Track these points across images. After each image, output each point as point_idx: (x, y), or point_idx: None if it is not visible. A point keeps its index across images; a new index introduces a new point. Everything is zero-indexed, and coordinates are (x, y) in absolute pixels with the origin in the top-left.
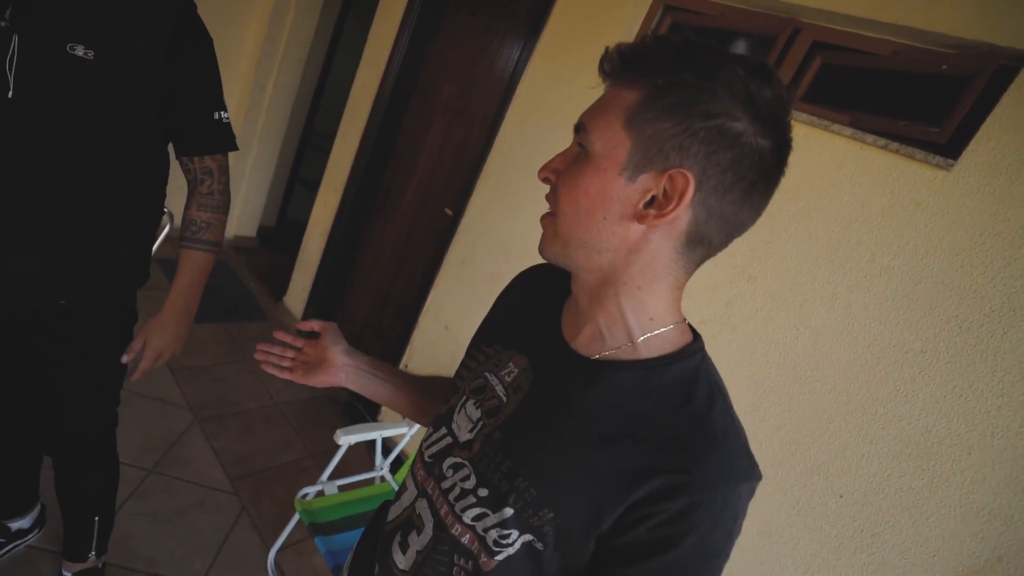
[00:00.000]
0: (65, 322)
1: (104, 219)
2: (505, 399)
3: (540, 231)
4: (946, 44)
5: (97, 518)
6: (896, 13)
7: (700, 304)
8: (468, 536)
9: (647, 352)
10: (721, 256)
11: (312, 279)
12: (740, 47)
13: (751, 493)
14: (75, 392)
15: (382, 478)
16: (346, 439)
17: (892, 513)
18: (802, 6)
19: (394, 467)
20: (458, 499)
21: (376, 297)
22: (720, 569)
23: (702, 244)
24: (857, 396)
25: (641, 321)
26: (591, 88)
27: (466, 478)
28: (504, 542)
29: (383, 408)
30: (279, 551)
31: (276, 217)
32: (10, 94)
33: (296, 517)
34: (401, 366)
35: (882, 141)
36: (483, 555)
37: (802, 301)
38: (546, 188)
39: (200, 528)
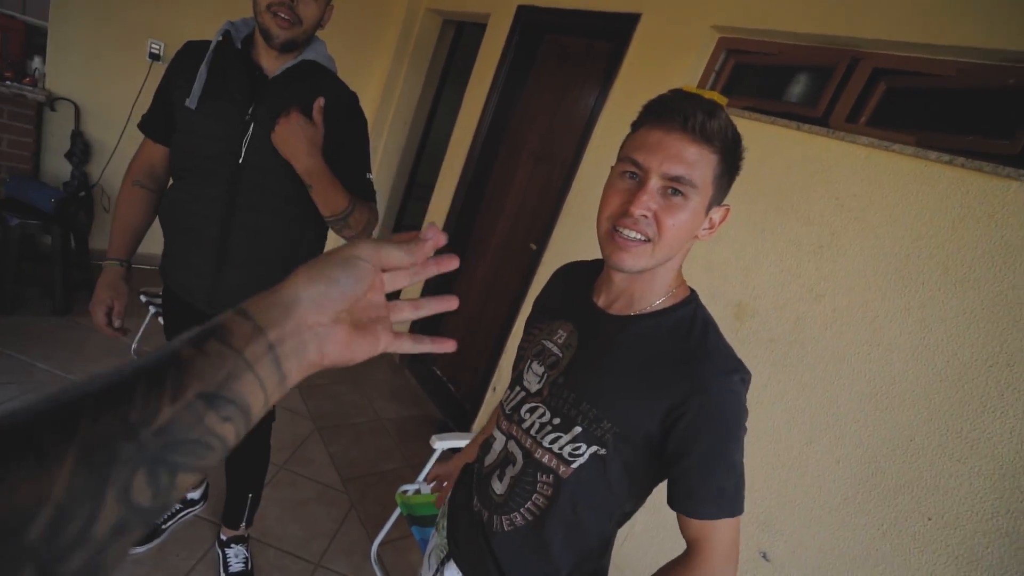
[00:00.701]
0: None
1: (290, 243)
2: (561, 355)
3: None
4: (1011, 59)
5: (250, 495)
6: (956, 35)
7: (768, 323)
8: (547, 456)
9: (662, 306)
10: (787, 275)
11: None
12: (800, 81)
13: (743, 383)
14: None
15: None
16: (440, 444)
17: (990, 538)
18: (860, 38)
19: None
20: (537, 432)
21: (468, 325)
22: (742, 439)
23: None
24: (939, 413)
25: (659, 292)
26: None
27: (542, 415)
28: (576, 453)
29: (473, 428)
30: (380, 544)
31: None
32: (240, 160)
33: (395, 515)
34: (490, 387)
35: (946, 157)
36: (561, 467)
37: (872, 317)
38: None
39: (318, 518)
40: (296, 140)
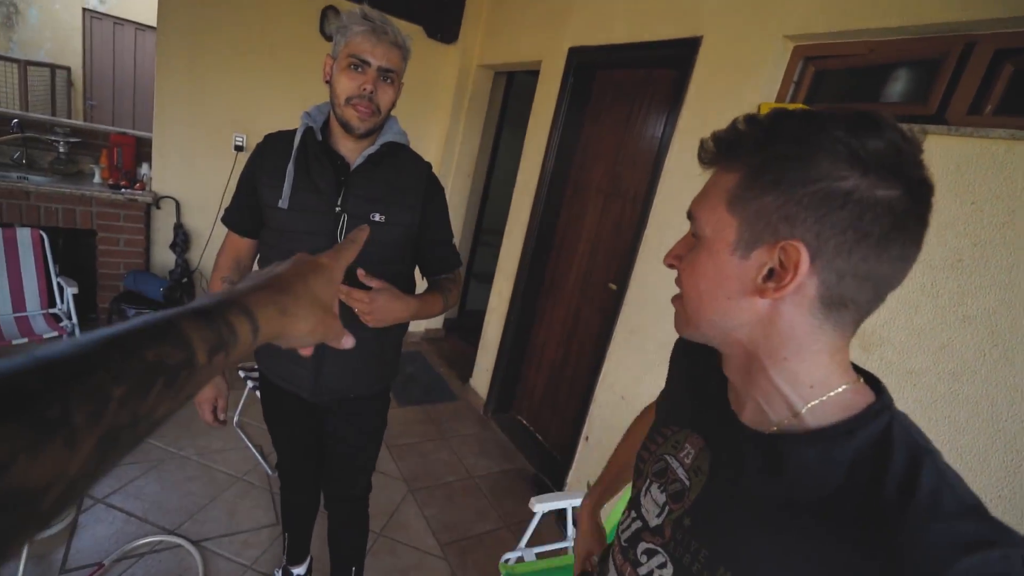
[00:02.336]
0: (351, 407)
1: (380, 331)
2: (688, 483)
3: None
4: None
5: (354, 568)
6: None
7: (905, 352)
8: None
9: (818, 421)
10: (921, 294)
11: (494, 360)
12: (899, 78)
13: (1009, 560)
14: (354, 459)
15: (572, 548)
16: (540, 507)
17: None
18: (971, 20)
19: None
20: None
21: (551, 371)
22: None
23: (845, 306)
24: None
25: (801, 391)
26: (698, 175)
27: (662, 565)
28: None
29: (568, 480)
30: None
31: (458, 309)
32: None
33: None
34: (583, 436)
35: None
36: None
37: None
38: None
39: None
40: (389, 313)
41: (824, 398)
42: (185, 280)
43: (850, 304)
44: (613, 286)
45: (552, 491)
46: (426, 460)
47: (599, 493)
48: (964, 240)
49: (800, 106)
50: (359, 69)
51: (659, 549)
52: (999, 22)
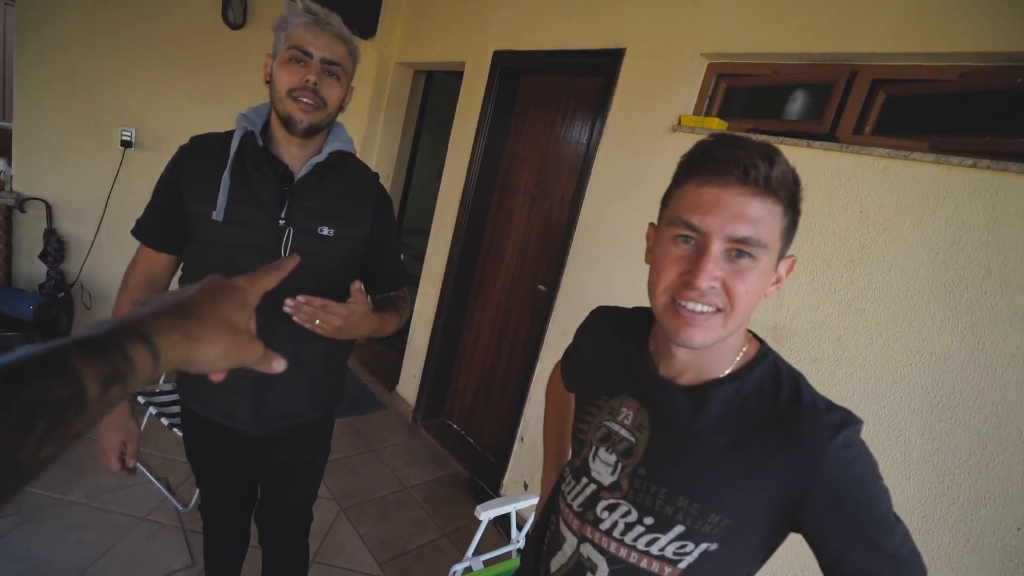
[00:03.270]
0: (295, 435)
1: (328, 351)
2: (634, 440)
3: (635, 296)
4: (1015, 59)
5: None
6: (954, 43)
7: (809, 342)
8: (646, 560)
9: (732, 369)
10: (821, 292)
11: (422, 366)
12: (798, 98)
13: (857, 432)
14: (296, 487)
15: (519, 550)
16: (486, 514)
17: None
18: (854, 52)
19: (527, 540)
20: (624, 533)
21: (482, 374)
22: (885, 490)
23: None
24: (1009, 417)
25: (731, 356)
26: (624, 183)
27: (626, 513)
28: (683, 552)
29: (504, 482)
30: None
31: None
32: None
33: None
34: (518, 437)
35: (969, 160)
36: (667, 568)
37: (919, 327)
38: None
39: None
40: (356, 328)
41: (742, 352)
42: (62, 295)
43: None
44: (543, 288)
45: (488, 494)
46: (356, 475)
47: (551, 471)
48: (854, 244)
49: (716, 120)
50: (300, 62)
51: (620, 501)
52: (875, 55)
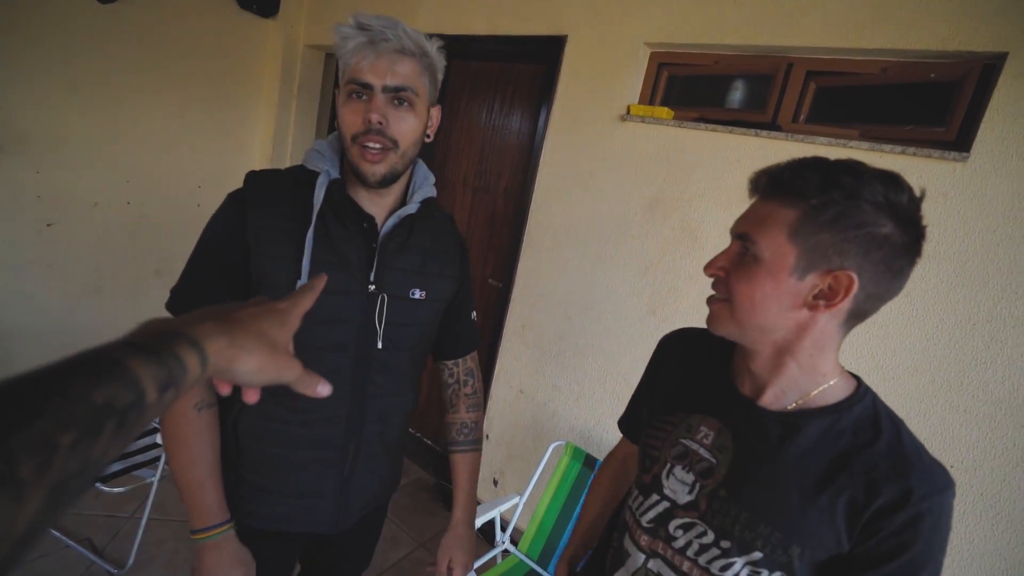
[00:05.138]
0: (361, 524)
1: (403, 427)
2: (715, 460)
3: (594, 286)
4: (929, 56)
5: None
6: (877, 39)
7: None
8: None
9: (826, 400)
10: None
11: None
12: (739, 88)
13: (953, 496)
14: (360, 570)
15: (505, 552)
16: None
17: (1006, 471)
18: (790, 45)
19: (511, 540)
20: (699, 553)
21: (431, 373)
22: (942, 563)
23: (860, 317)
24: (940, 373)
25: (816, 379)
26: (574, 173)
27: (702, 534)
28: None
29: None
30: None
31: None
32: (379, 344)
33: None
34: (483, 437)
35: (899, 148)
36: None
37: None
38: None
39: None
40: (470, 566)
41: (830, 383)
42: None
43: (863, 316)
44: (495, 282)
45: None
46: None
47: (575, 547)
48: None
49: (663, 110)
50: (360, 96)
51: (696, 521)
52: (808, 49)
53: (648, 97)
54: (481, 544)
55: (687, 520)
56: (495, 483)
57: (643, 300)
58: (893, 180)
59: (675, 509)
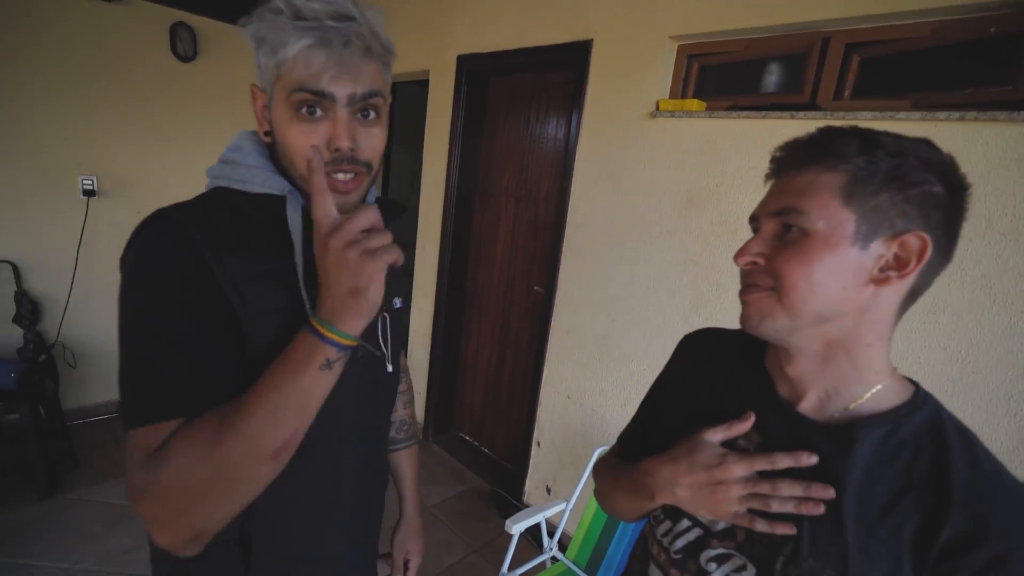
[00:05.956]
0: None
1: (375, 479)
2: None
3: (633, 287)
4: (988, 8)
5: None
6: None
7: None
8: None
9: (879, 405)
10: None
11: (425, 382)
12: (774, 71)
13: None
14: None
15: (553, 559)
16: (517, 527)
17: None
18: (824, 19)
19: (559, 546)
20: None
21: (487, 383)
22: None
23: (916, 295)
24: None
25: (869, 377)
26: (603, 175)
27: (740, 568)
28: None
29: (526, 489)
30: None
31: None
32: (388, 368)
33: None
34: (534, 442)
35: (956, 114)
36: None
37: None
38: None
39: None
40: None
41: (883, 384)
42: (43, 357)
43: (920, 294)
44: (539, 289)
45: (511, 503)
46: None
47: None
48: None
49: (694, 102)
50: (315, 111)
51: (733, 553)
52: (844, 20)
53: (679, 91)
54: (529, 548)
55: (722, 551)
56: (548, 491)
57: (685, 299)
58: (927, 141)
59: (708, 537)
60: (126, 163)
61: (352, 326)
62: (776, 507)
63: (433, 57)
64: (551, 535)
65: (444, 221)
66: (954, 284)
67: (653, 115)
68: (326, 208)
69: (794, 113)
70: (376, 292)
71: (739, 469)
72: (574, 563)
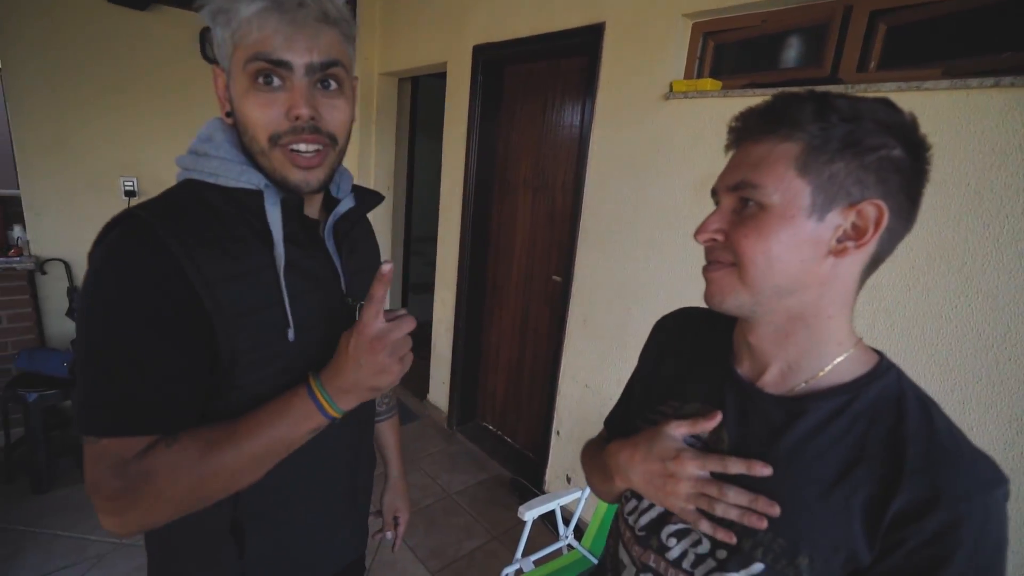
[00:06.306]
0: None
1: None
2: None
3: (649, 274)
4: None
5: None
6: None
7: None
8: None
9: (841, 377)
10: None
11: (449, 371)
12: (794, 44)
13: (1007, 496)
14: None
15: (569, 547)
16: (530, 514)
17: None
18: None
19: (576, 534)
20: (695, 565)
21: (509, 372)
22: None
23: (878, 262)
24: None
25: (830, 348)
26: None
27: (696, 543)
28: None
29: (547, 478)
30: None
31: None
32: None
33: None
34: (553, 431)
35: (989, 81)
36: None
37: (960, 265)
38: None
39: None
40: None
41: (845, 355)
42: None
43: (881, 260)
44: (557, 278)
45: (532, 491)
46: None
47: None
48: None
49: (709, 81)
50: (271, 81)
51: (691, 527)
52: None
53: (694, 71)
54: (549, 535)
55: (681, 526)
56: (568, 480)
57: (701, 285)
58: (886, 101)
59: (668, 514)
60: (164, 164)
61: (352, 407)
62: (720, 511)
63: (450, 49)
64: (567, 523)
65: (464, 212)
66: (988, 264)
67: (667, 97)
68: (378, 316)
69: (813, 88)
70: (388, 388)
71: (691, 467)
72: (589, 551)
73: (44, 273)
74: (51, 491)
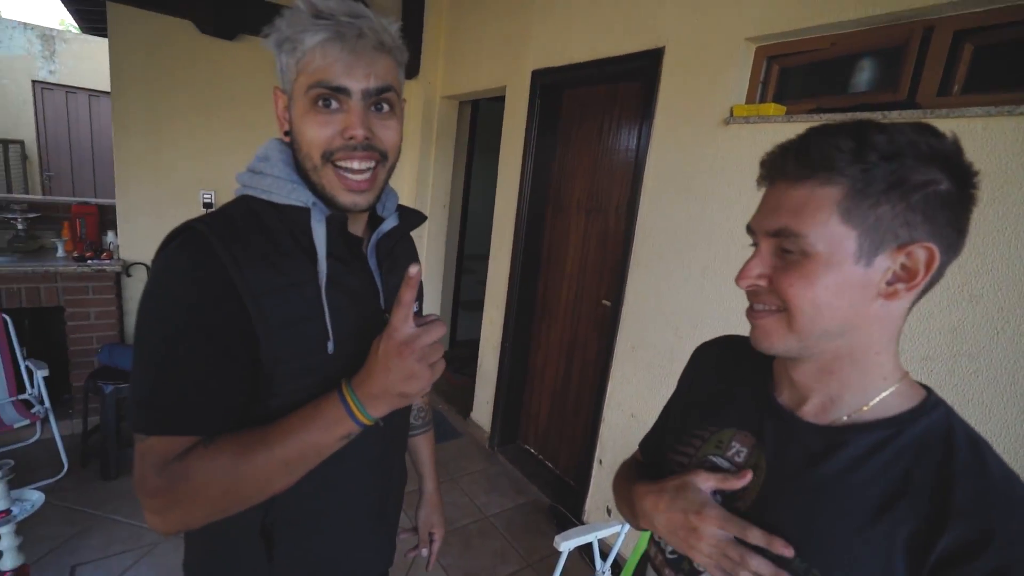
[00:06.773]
0: None
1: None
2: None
3: (702, 301)
4: None
5: None
6: None
7: (915, 338)
8: None
9: (886, 411)
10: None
11: (493, 391)
12: (866, 67)
13: None
14: None
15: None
16: (566, 544)
17: None
18: (927, 5)
19: (613, 570)
20: None
21: (553, 396)
22: None
23: (926, 292)
24: None
25: (875, 383)
26: (674, 188)
27: None
28: None
29: (586, 508)
30: None
31: (448, 342)
32: None
33: None
34: (596, 460)
35: None
36: None
37: None
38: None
39: None
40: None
41: (892, 389)
42: None
43: (928, 291)
44: (607, 302)
45: (570, 520)
46: None
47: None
48: None
49: (772, 106)
50: (330, 104)
51: None
52: (953, 5)
53: (756, 95)
54: (585, 567)
55: None
56: (608, 512)
57: None
58: (926, 128)
59: None
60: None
61: (382, 414)
62: None
63: (509, 73)
64: (604, 557)
65: (516, 233)
66: None
67: (727, 122)
68: (407, 319)
69: (886, 113)
70: (419, 395)
71: (713, 526)
72: None
73: (129, 275)
74: (118, 478)
